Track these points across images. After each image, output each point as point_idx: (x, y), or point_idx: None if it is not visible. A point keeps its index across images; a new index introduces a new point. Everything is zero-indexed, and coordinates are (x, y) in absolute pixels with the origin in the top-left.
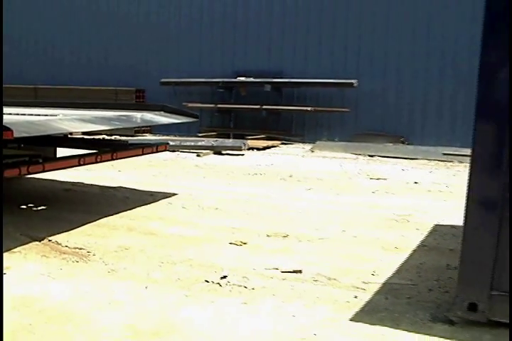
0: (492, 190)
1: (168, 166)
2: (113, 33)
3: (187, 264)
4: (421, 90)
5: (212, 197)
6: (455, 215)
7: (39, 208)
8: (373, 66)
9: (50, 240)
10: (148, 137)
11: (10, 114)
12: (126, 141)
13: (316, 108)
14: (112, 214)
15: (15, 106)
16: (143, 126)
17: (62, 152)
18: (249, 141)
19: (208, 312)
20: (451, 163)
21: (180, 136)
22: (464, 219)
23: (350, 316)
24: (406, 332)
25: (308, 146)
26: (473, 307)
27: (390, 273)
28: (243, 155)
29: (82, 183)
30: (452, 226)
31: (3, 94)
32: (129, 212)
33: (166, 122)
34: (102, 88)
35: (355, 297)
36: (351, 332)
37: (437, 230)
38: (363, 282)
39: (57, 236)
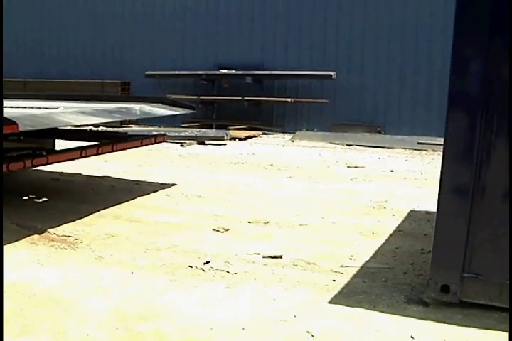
0: (464, 177)
1: (152, 156)
2: (98, 26)
3: (171, 250)
4: (397, 82)
5: (195, 185)
6: (429, 201)
7: (28, 197)
8: (351, 58)
9: (38, 228)
10: (134, 128)
11: (11, 107)
12: (126, 133)
13: (296, 99)
14: (98, 203)
15: (12, 99)
16: (142, 118)
17: (59, 144)
18: (231, 131)
19: (192, 297)
20: (425, 152)
21: (164, 126)
22: (437, 206)
23: (328, 299)
24: (382, 313)
25: (288, 136)
26: (445, 288)
27: (367, 258)
28: (225, 145)
29: (70, 173)
30: (427, 212)
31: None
32: (115, 200)
33: (164, 114)
34: (88, 81)
35: (334, 280)
36: (330, 314)
37: (412, 216)
38: (341, 266)
39: (46, 224)
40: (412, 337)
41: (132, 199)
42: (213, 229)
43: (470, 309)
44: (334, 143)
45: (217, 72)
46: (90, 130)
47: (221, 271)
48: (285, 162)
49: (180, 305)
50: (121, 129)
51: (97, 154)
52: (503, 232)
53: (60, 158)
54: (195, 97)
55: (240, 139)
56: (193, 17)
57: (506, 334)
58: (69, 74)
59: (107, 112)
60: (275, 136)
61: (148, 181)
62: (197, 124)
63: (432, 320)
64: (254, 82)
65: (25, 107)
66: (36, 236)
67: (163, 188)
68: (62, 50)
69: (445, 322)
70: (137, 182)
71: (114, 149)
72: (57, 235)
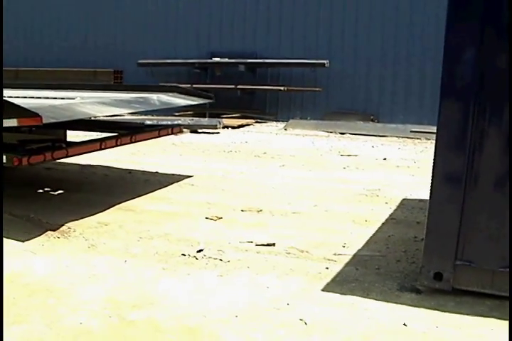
0: (456, 165)
1: (145, 144)
2: (91, 14)
3: (164, 239)
4: (390, 70)
5: (188, 173)
6: (422, 190)
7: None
8: (344, 47)
9: (31, 217)
10: (127, 117)
11: (25, 97)
12: (142, 123)
13: (289, 87)
14: (91, 191)
15: (23, 89)
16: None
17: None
18: (224, 120)
19: (185, 285)
20: (418, 140)
21: (157, 115)
22: (430, 194)
23: (321, 287)
24: (375, 300)
25: (281, 125)
26: (438, 276)
27: (360, 245)
28: (218, 133)
29: (63, 161)
30: (419, 200)
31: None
32: (107, 189)
33: (183, 104)
34: (81, 69)
35: (327, 268)
36: (323, 302)
37: (405, 204)
38: (334, 254)
39: (39, 213)
40: (404, 324)
41: (125, 188)
42: (206, 218)
43: (463, 296)
44: (327, 132)
45: (210, 61)
46: (99, 120)
47: (214, 259)
48: (278, 150)
49: (173, 293)
50: (118, 118)
51: (116, 146)
52: (496, 220)
53: (80, 150)
54: (188, 86)
55: (233, 128)
56: (185, 5)
57: (499, 321)
58: (61, 62)
59: (126, 102)
60: (268, 124)
61: (141, 170)
62: (190, 113)
63: (425, 308)
64: (248, 71)
65: (39, 97)
66: (29, 224)
67: (156, 177)
68: (53, 39)
69: (438, 310)
70: (130, 171)
71: (133, 140)
72: (50, 224)
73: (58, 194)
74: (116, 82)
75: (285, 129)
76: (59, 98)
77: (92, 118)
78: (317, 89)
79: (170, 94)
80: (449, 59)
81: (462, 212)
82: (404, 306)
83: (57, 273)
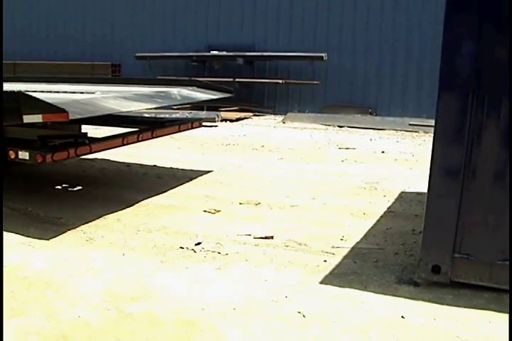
0: (455, 158)
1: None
2: (88, 8)
3: (162, 232)
4: (388, 63)
5: (186, 166)
6: (420, 183)
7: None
8: (342, 40)
9: (30, 210)
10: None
11: (42, 91)
12: (162, 118)
13: (287, 80)
14: (89, 185)
15: (35, 82)
16: (184, 104)
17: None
18: (222, 113)
19: (183, 278)
20: (417, 133)
21: (155, 108)
22: (428, 187)
23: (319, 279)
24: (373, 293)
25: (279, 118)
26: (436, 269)
27: (358, 238)
28: (217, 126)
29: None
30: (418, 193)
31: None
32: (106, 182)
33: (204, 98)
34: (79, 63)
35: (325, 261)
36: (321, 295)
37: (403, 197)
38: (332, 247)
39: (36, 206)
40: (402, 316)
41: (123, 181)
42: (204, 211)
43: (460, 289)
44: (325, 125)
45: (208, 54)
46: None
47: (212, 252)
48: (276, 143)
49: (171, 286)
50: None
51: (138, 141)
52: (494, 212)
53: (103, 146)
54: (187, 79)
55: (231, 121)
56: None
57: (497, 314)
58: (58, 56)
59: (148, 97)
60: (266, 117)
61: (140, 163)
62: (188, 106)
63: (423, 300)
64: (246, 64)
65: (57, 92)
66: (27, 218)
67: (154, 170)
68: (51, 32)
69: (436, 302)
70: (128, 164)
71: (154, 136)
72: (48, 217)
73: (57, 188)
74: (114, 76)
75: (283, 122)
76: (78, 92)
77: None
78: (315, 82)
79: (189, 88)
80: (447, 52)
81: (460, 204)
82: (402, 299)
83: (55, 266)
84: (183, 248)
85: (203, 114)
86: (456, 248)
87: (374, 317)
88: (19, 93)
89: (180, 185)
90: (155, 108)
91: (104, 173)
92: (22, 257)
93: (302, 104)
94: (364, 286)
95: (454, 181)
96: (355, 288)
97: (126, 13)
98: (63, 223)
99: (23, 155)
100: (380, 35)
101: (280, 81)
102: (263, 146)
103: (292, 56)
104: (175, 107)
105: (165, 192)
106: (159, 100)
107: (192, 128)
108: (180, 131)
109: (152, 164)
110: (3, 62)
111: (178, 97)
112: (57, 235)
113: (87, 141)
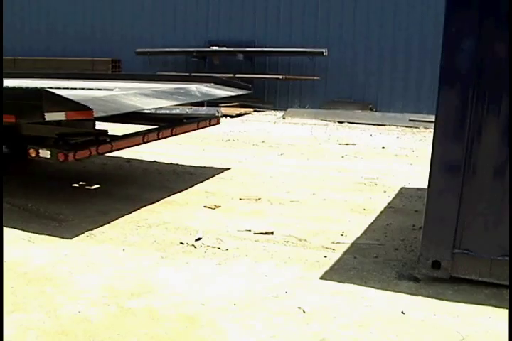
0: (455, 154)
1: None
2: (88, 3)
3: (163, 227)
4: (388, 59)
5: (186, 162)
6: (420, 178)
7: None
8: (343, 35)
9: (29, 206)
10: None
11: (58, 88)
12: (181, 115)
13: (288, 76)
14: (89, 180)
15: (49, 79)
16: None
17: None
18: (222, 109)
19: (183, 273)
20: (417, 129)
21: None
22: (428, 182)
23: (320, 275)
24: (373, 289)
25: (279, 113)
26: (436, 264)
27: (358, 234)
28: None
29: None
30: (418, 189)
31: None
32: (106, 177)
33: (223, 95)
34: (79, 58)
35: (325, 257)
36: (321, 290)
37: (403, 192)
38: (333, 242)
39: (36, 202)
40: (403, 312)
41: (123, 177)
42: (205, 206)
43: (460, 284)
44: (326, 121)
45: (208, 49)
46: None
47: (212, 247)
48: (276, 139)
49: (171, 281)
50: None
51: (158, 139)
52: (494, 208)
53: (124, 144)
54: (187, 74)
55: (232, 116)
56: None
57: (496, 309)
58: (58, 51)
59: (168, 94)
60: (266, 113)
61: (140, 158)
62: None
63: (423, 296)
64: (246, 59)
65: (74, 88)
66: (27, 214)
67: (154, 165)
68: (50, 27)
69: (436, 298)
70: (128, 160)
71: (173, 133)
72: (48, 213)
73: (55, 183)
74: (114, 71)
75: (283, 118)
76: (95, 89)
77: None
78: (315, 77)
79: (207, 84)
80: (447, 48)
81: (460, 200)
82: (402, 294)
83: (55, 261)
84: (183, 243)
85: (203, 109)
86: (456, 243)
87: (374, 312)
88: (41, 90)
89: (181, 180)
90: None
91: (104, 169)
92: (22, 253)
93: (302, 99)
94: (364, 282)
95: (454, 177)
96: (356, 284)
97: (127, 8)
98: (63, 219)
99: (44, 153)
100: (380, 30)
101: (280, 76)
102: (263, 142)
103: (292, 52)
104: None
105: (165, 187)
106: (180, 97)
107: (210, 125)
108: (198, 129)
109: (152, 160)
110: (4, 58)
111: (198, 94)
112: (57, 231)
113: (108, 139)
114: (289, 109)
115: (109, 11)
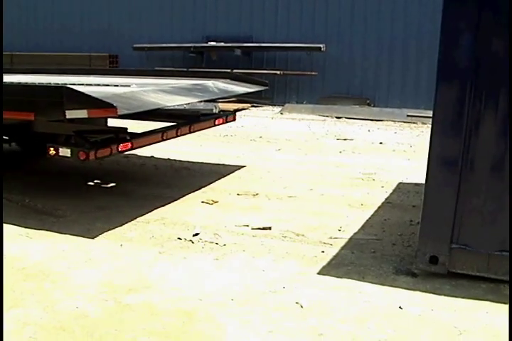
0: (452, 149)
1: (142, 127)
2: None
3: (160, 223)
4: (386, 54)
5: (184, 157)
6: (418, 174)
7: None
8: (340, 31)
9: (27, 202)
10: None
11: (73, 84)
12: (198, 112)
13: (285, 72)
14: (87, 176)
15: (54, 74)
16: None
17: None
18: (220, 104)
19: (181, 268)
20: (415, 125)
21: None
22: (426, 177)
23: (317, 270)
24: (371, 284)
25: (277, 109)
26: (434, 259)
27: (355, 229)
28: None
29: None
30: (415, 184)
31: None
32: (104, 173)
33: (242, 92)
34: (77, 54)
35: (323, 252)
36: (319, 285)
37: (401, 188)
38: (330, 237)
39: (34, 197)
40: (400, 307)
41: (120, 172)
42: (202, 202)
43: (458, 279)
44: (323, 116)
45: (206, 45)
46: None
47: (210, 242)
48: (274, 134)
49: (169, 276)
50: None
51: (176, 136)
52: (492, 203)
53: (143, 142)
54: (184, 70)
55: (230, 111)
56: None
57: (494, 304)
58: (55, 47)
59: (187, 90)
60: (264, 108)
61: (137, 154)
62: None
63: (421, 291)
64: (243, 55)
65: (90, 85)
66: (25, 209)
67: (152, 161)
68: (48, 23)
69: (433, 293)
70: (126, 155)
71: (191, 130)
72: (46, 208)
73: (53, 179)
74: (112, 67)
75: (281, 113)
76: (111, 85)
77: None
78: (313, 73)
79: (222, 80)
80: (445, 43)
81: (458, 195)
82: (399, 289)
83: (53, 257)
84: (180, 239)
85: (200, 105)
86: (454, 239)
87: (372, 307)
88: (62, 87)
89: (178, 176)
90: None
91: (102, 164)
92: (20, 248)
93: (300, 95)
94: (362, 277)
95: (452, 172)
96: (353, 279)
97: (124, 3)
98: (61, 214)
99: (64, 152)
100: (378, 26)
101: (278, 72)
102: (261, 137)
103: (290, 47)
104: None
105: (163, 183)
106: (199, 94)
107: (227, 122)
108: (215, 126)
109: (150, 155)
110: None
111: (216, 90)
112: (55, 226)
113: (128, 137)
114: (286, 105)
115: (106, 6)
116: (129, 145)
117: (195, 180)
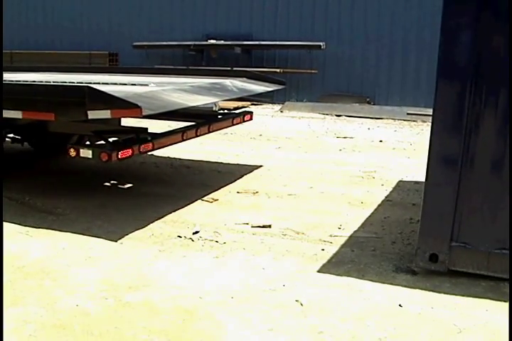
0: (452, 147)
1: (141, 125)
2: None
3: (160, 221)
4: (386, 52)
5: (183, 156)
6: (418, 172)
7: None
8: (340, 28)
9: (27, 200)
10: None
11: (89, 83)
12: (216, 111)
13: (285, 70)
14: (86, 175)
15: (72, 73)
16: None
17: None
18: (220, 102)
19: (181, 266)
20: (415, 123)
21: None
22: (426, 176)
23: (317, 268)
24: (371, 282)
25: (277, 107)
26: (434, 257)
27: (355, 227)
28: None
29: None
30: (415, 182)
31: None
32: (104, 171)
33: (260, 91)
34: (77, 52)
35: (323, 250)
36: (319, 283)
37: (401, 186)
38: (330, 235)
39: (34, 196)
40: (400, 305)
41: (120, 171)
42: (202, 200)
43: (458, 277)
44: (323, 114)
45: (205, 43)
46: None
47: (210, 240)
48: (274, 132)
49: (169, 274)
50: None
51: (196, 136)
52: (492, 201)
53: (164, 142)
54: (184, 68)
55: (229, 110)
56: None
57: (494, 302)
58: (55, 45)
59: (206, 90)
60: (264, 106)
61: None
62: None
63: (421, 289)
64: (243, 53)
65: (106, 83)
66: (25, 207)
67: (151, 158)
68: (48, 21)
69: (433, 291)
70: None
71: (210, 130)
72: (46, 207)
73: (52, 177)
74: (112, 65)
75: (281, 111)
76: (129, 84)
77: None
78: (313, 71)
79: (239, 79)
80: (445, 41)
81: (458, 193)
82: (399, 287)
83: (53, 255)
84: (180, 237)
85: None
86: (454, 236)
87: (372, 305)
88: (84, 87)
89: (178, 174)
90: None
91: (101, 162)
92: (20, 246)
93: (300, 93)
94: (362, 275)
95: (452, 170)
96: (353, 277)
97: (124, 1)
98: (61, 212)
99: (86, 153)
100: (378, 23)
101: (278, 70)
102: (261, 135)
103: (290, 45)
104: None
105: (162, 181)
106: (219, 93)
107: (244, 121)
108: (233, 125)
109: (148, 153)
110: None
111: (235, 90)
112: (55, 224)
113: (149, 137)
114: (286, 103)
115: (106, 4)
116: (151, 145)
117: (195, 178)
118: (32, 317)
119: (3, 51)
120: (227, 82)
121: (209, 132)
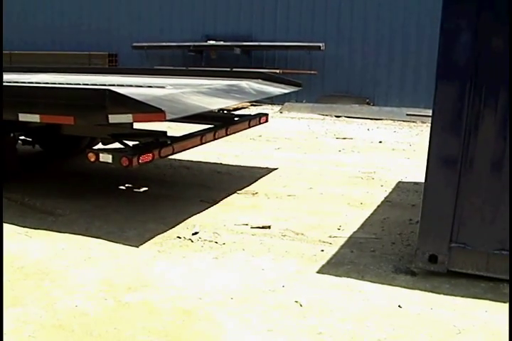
0: (452, 148)
1: (141, 126)
2: None
3: (159, 222)
4: (386, 53)
5: (183, 156)
6: (417, 172)
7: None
8: (340, 30)
9: (26, 201)
10: None
11: (103, 84)
12: (233, 114)
13: (285, 70)
14: (85, 175)
15: (84, 74)
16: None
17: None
18: None
19: (180, 267)
20: (414, 123)
21: None
22: (426, 176)
23: (317, 269)
24: (370, 282)
25: (277, 108)
26: (433, 258)
27: (355, 228)
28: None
29: None
30: (415, 183)
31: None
32: (103, 172)
33: (277, 93)
34: (76, 53)
35: (322, 250)
36: (318, 284)
37: (400, 187)
38: (330, 236)
39: (33, 196)
40: (399, 306)
41: (119, 171)
42: (201, 200)
43: (457, 278)
44: (323, 115)
45: (205, 44)
46: None
47: (209, 241)
48: (274, 133)
49: (168, 275)
50: None
51: (214, 139)
52: (491, 202)
53: (184, 146)
54: (184, 69)
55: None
56: None
57: (493, 303)
58: (55, 46)
59: (224, 92)
60: (264, 107)
61: None
62: None
63: (420, 290)
64: (243, 54)
65: (122, 85)
66: (24, 208)
67: None
68: (48, 21)
69: (433, 292)
70: None
71: (228, 133)
72: (45, 207)
73: (50, 177)
74: (111, 65)
75: (280, 112)
76: (144, 86)
77: None
78: (313, 72)
79: (254, 80)
80: (445, 42)
81: (457, 194)
82: (399, 288)
83: (52, 256)
84: (180, 237)
85: None
86: (453, 237)
87: (371, 306)
88: (105, 90)
89: (177, 174)
90: None
91: (101, 163)
92: (19, 247)
93: (299, 93)
94: (361, 276)
95: (451, 171)
96: (353, 278)
97: (123, 2)
98: (60, 213)
99: (106, 158)
100: (377, 24)
101: (277, 71)
102: (260, 136)
103: (289, 46)
104: None
105: (162, 181)
106: (237, 95)
107: (260, 123)
108: (250, 127)
109: None
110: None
111: (252, 92)
112: (54, 225)
113: (169, 141)
114: (286, 103)
115: (106, 5)
116: (171, 149)
117: (194, 178)
118: (31, 317)
119: (3, 52)
120: (244, 83)
121: (226, 135)
